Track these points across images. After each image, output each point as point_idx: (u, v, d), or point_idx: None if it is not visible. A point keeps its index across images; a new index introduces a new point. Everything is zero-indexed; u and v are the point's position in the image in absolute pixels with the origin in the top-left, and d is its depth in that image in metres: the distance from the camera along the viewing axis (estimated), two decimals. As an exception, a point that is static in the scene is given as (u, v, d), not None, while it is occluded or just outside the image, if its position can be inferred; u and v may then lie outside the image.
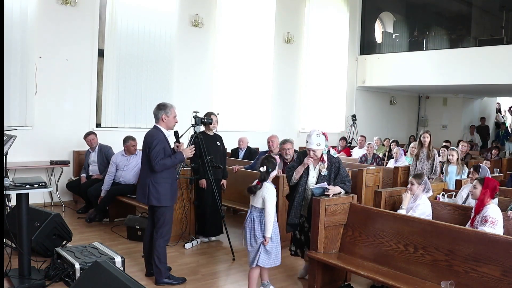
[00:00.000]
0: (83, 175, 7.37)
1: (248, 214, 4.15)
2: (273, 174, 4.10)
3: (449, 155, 7.08)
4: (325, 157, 4.43)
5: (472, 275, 3.49)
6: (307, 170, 4.47)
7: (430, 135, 7.20)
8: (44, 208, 5.40)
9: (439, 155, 9.41)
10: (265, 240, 3.98)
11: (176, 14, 9.21)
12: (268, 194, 3.99)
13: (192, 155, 4.60)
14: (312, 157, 4.38)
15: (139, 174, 6.81)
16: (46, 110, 7.70)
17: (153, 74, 8.93)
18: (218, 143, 5.91)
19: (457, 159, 6.98)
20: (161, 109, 4.43)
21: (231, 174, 6.60)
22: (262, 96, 10.91)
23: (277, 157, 4.28)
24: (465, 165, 7.04)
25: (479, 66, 10.81)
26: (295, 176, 4.48)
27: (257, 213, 4.05)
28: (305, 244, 4.56)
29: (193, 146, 4.72)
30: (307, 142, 4.42)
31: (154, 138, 4.32)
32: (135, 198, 5.46)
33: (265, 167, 4.02)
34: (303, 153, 4.56)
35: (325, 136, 4.47)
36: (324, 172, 4.41)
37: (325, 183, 4.35)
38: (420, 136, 7.26)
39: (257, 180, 4.05)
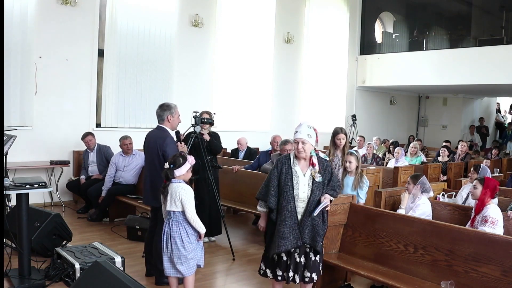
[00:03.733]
0: (83, 176, 7.35)
1: (166, 222, 3.74)
2: (180, 172, 3.69)
3: (347, 162, 4.94)
4: (315, 160, 3.60)
5: (472, 275, 3.49)
6: (291, 178, 3.60)
7: (346, 134, 5.30)
8: (44, 208, 5.40)
9: (439, 155, 9.47)
10: (200, 238, 3.74)
11: (176, 14, 9.20)
12: (185, 196, 3.63)
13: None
14: (299, 151, 3.58)
15: (139, 174, 6.90)
16: (46, 110, 7.69)
17: (153, 74, 8.93)
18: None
19: (357, 167, 4.92)
20: (166, 109, 4.41)
21: (231, 174, 6.61)
22: (262, 96, 10.90)
23: (191, 157, 3.80)
24: (364, 176, 5.07)
25: (479, 66, 10.80)
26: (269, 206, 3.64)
27: (179, 217, 3.67)
28: (292, 269, 3.60)
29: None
30: (296, 132, 3.62)
31: (167, 142, 4.32)
32: (142, 201, 5.38)
33: (167, 164, 3.69)
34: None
35: (316, 133, 3.66)
36: (319, 178, 3.59)
37: (326, 201, 3.57)
38: (334, 137, 5.25)
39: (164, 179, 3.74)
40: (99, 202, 6.74)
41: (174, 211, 3.67)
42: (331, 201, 3.68)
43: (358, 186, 4.87)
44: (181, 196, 3.63)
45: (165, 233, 3.71)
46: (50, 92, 7.73)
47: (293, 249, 3.57)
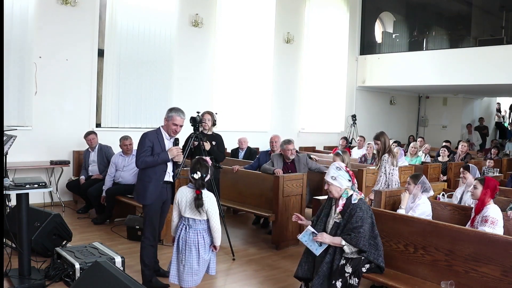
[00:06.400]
0: (82, 176, 7.34)
1: (182, 227, 3.63)
2: (208, 178, 3.63)
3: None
4: (340, 202, 3.61)
5: (472, 275, 3.49)
6: (327, 214, 3.75)
7: (378, 140, 5.48)
8: (44, 208, 5.40)
9: (439, 155, 9.47)
10: (215, 249, 3.68)
11: (176, 14, 9.21)
12: (211, 206, 3.55)
13: (180, 158, 4.35)
14: (328, 192, 3.68)
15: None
16: (46, 110, 7.70)
17: (153, 74, 8.93)
18: (214, 143, 5.87)
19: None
20: (167, 111, 4.38)
21: (231, 174, 6.60)
22: (262, 96, 10.91)
23: (208, 159, 3.73)
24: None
25: (479, 66, 10.81)
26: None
27: (199, 225, 3.59)
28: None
29: (180, 148, 4.46)
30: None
31: (143, 136, 4.31)
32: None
33: (198, 173, 3.54)
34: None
35: (350, 174, 3.67)
36: (337, 219, 3.66)
37: (309, 227, 3.64)
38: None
39: (195, 190, 3.56)
40: (102, 202, 6.74)
41: (194, 219, 3.58)
42: (361, 251, 3.53)
43: None
44: (207, 206, 3.54)
45: (180, 240, 3.61)
46: (50, 92, 7.73)
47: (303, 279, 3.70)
